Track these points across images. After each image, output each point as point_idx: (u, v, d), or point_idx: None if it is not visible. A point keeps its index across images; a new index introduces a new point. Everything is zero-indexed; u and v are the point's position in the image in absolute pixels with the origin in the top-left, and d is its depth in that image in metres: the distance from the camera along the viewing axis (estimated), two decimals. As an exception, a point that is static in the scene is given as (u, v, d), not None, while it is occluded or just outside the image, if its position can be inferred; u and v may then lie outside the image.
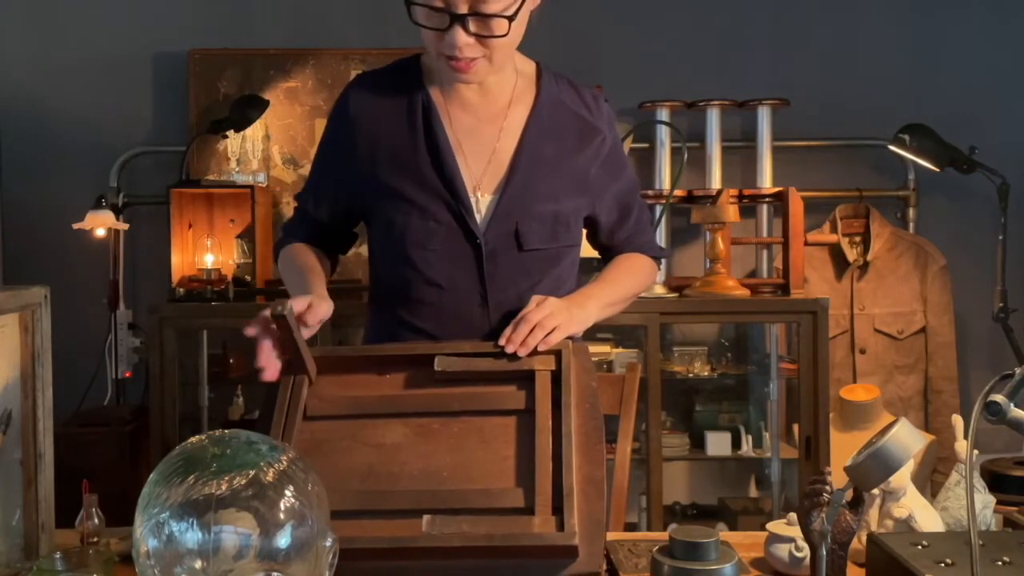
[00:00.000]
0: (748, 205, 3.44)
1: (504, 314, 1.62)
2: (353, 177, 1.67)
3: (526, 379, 1.46)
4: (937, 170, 3.46)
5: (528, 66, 1.70)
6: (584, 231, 1.78)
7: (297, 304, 1.46)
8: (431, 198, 1.61)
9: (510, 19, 1.48)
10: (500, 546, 1.27)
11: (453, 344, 1.53)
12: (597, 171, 1.70)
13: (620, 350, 3.37)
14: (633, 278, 1.79)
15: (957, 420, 1.57)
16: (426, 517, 1.30)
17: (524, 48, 1.64)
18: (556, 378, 1.45)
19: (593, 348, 3.31)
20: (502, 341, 1.48)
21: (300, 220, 1.76)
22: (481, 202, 1.63)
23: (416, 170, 1.62)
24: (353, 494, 1.35)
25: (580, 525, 1.29)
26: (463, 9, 1.46)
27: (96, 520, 1.57)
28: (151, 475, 1.11)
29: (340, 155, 1.68)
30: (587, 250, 1.82)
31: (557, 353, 1.47)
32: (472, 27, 1.48)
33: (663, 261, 1.91)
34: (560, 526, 1.28)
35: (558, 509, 1.31)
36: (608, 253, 1.83)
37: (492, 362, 1.48)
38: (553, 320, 1.50)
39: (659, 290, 3.21)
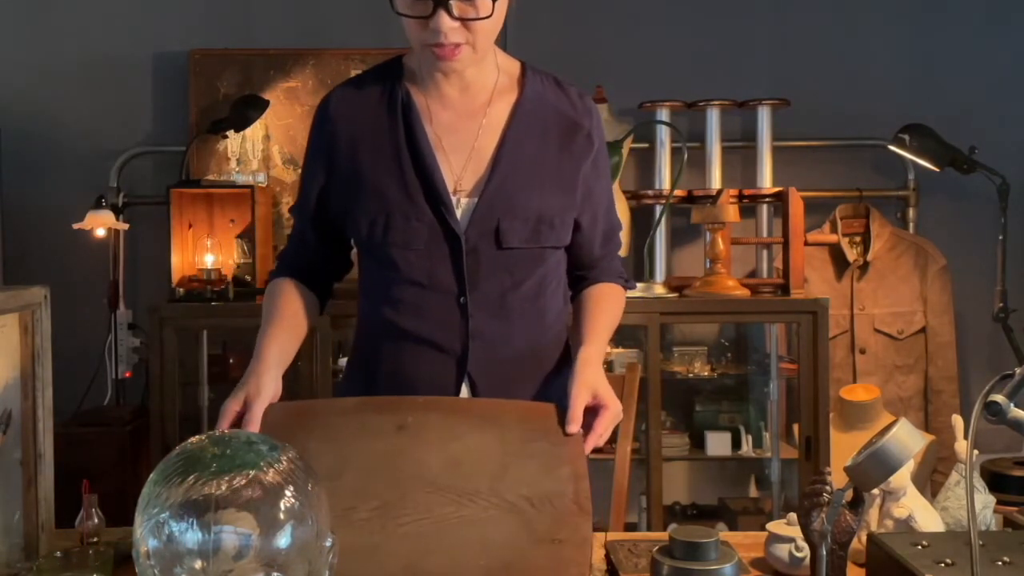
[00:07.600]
0: (748, 205, 3.44)
1: (486, 313, 1.61)
2: (336, 177, 1.64)
3: None
4: (937, 170, 3.46)
5: (512, 65, 1.68)
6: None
7: (224, 418, 1.51)
8: (412, 198, 1.60)
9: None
10: None
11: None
12: (583, 170, 1.66)
13: (620, 350, 3.37)
14: (618, 317, 1.73)
15: (957, 420, 1.57)
16: None
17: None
18: None
19: (593, 348, 3.30)
20: (570, 429, 1.45)
21: (295, 242, 1.73)
22: (462, 200, 1.61)
23: (397, 170, 1.60)
24: None
25: None
26: None
27: (96, 520, 1.57)
28: (151, 475, 1.11)
29: (323, 157, 1.65)
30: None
31: None
32: (456, 11, 1.48)
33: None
34: None
35: None
36: (585, 271, 1.74)
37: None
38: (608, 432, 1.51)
39: (659, 290, 3.21)
